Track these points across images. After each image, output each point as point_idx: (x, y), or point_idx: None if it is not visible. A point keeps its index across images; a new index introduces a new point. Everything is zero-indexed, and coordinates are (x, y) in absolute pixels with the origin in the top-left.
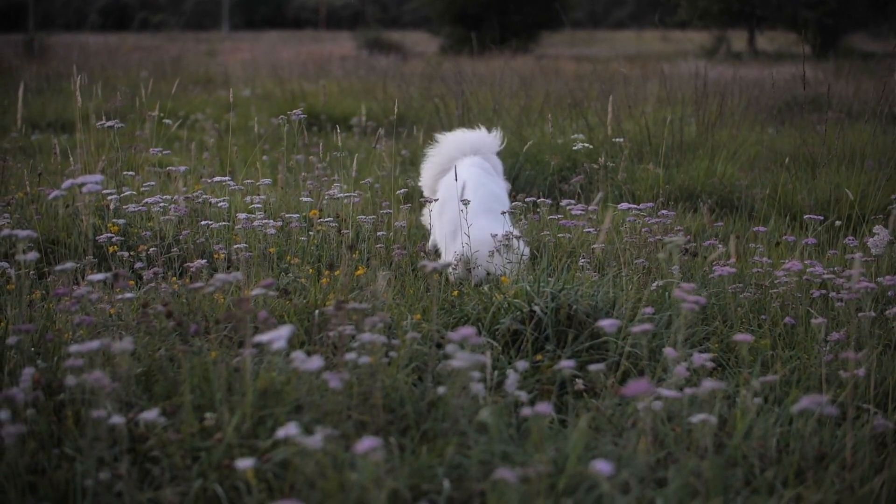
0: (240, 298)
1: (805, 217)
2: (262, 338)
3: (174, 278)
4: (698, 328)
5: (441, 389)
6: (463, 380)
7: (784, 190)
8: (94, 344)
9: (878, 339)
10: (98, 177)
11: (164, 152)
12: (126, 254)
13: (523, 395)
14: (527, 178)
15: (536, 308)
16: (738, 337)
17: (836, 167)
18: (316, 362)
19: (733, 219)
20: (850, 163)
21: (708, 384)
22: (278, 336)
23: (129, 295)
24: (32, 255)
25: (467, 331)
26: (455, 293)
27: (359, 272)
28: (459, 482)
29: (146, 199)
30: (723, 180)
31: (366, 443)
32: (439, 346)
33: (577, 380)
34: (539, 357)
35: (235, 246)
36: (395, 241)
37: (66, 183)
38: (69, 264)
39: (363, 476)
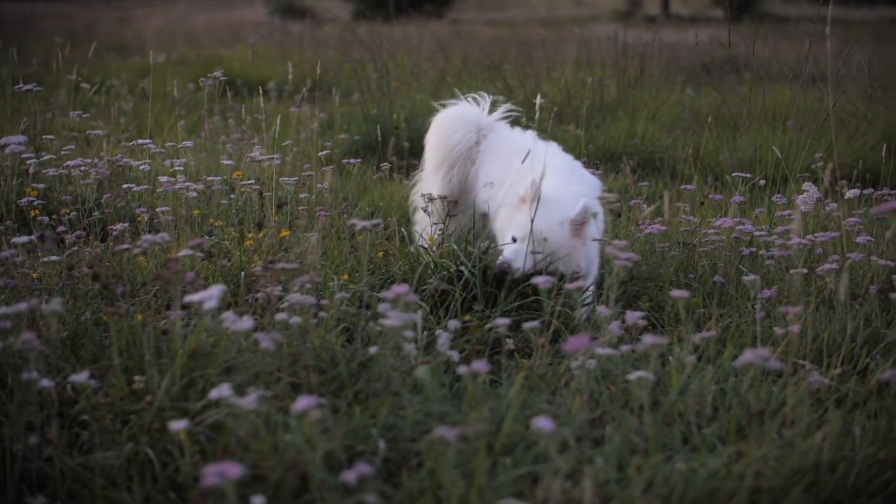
0: (169, 259)
1: (733, 175)
2: (194, 297)
3: (96, 242)
4: (629, 287)
5: (373, 349)
6: (395, 339)
7: (706, 150)
8: (22, 305)
9: (809, 296)
10: (20, 137)
11: (84, 115)
12: (47, 218)
13: (455, 355)
14: None
15: (464, 268)
16: (676, 293)
17: (758, 127)
18: (247, 323)
19: (656, 179)
20: (772, 123)
21: (649, 339)
22: (210, 296)
23: (53, 258)
24: None
25: (402, 288)
26: (380, 254)
27: (284, 234)
28: (394, 443)
29: (67, 163)
30: (644, 141)
31: (303, 401)
32: (367, 306)
33: (507, 339)
34: (467, 317)
35: (159, 209)
36: (319, 203)
37: None
38: None
39: (297, 437)
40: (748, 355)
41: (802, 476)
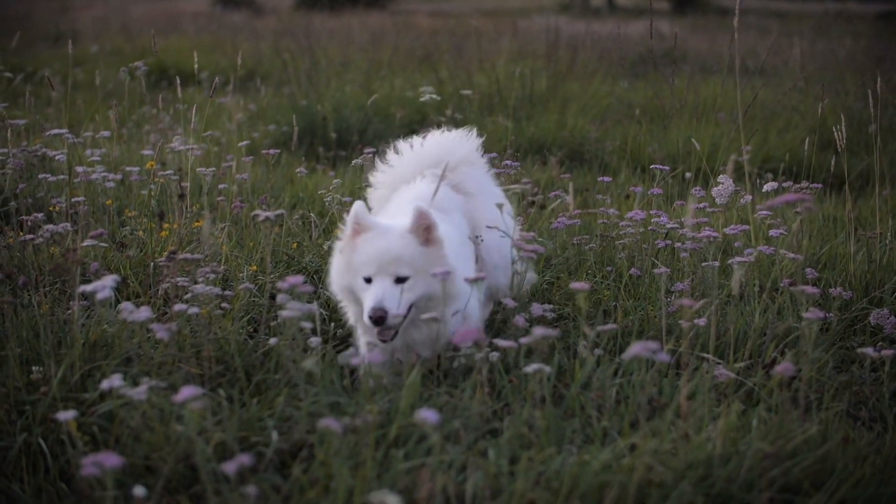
0: (67, 249)
1: (651, 167)
2: (87, 288)
3: (10, 232)
4: (542, 279)
5: (273, 340)
6: (294, 329)
7: (635, 142)
8: None
9: (721, 288)
10: None
11: (2, 105)
12: None
13: (362, 347)
14: (375, 131)
15: None
16: (575, 285)
17: (689, 120)
18: (144, 313)
19: (583, 171)
20: (703, 116)
21: (539, 332)
22: (102, 286)
23: None
24: None
25: (296, 279)
26: (294, 245)
27: (197, 224)
28: (290, 434)
29: None
30: (573, 133)
31: (185, 392)
32: (273, 297)
33: None
34: None
35: (74, 199)
36: (238, 193)
37: None
38: None
39: (189, 428)
40: (636, 348)
41: (694, 470)
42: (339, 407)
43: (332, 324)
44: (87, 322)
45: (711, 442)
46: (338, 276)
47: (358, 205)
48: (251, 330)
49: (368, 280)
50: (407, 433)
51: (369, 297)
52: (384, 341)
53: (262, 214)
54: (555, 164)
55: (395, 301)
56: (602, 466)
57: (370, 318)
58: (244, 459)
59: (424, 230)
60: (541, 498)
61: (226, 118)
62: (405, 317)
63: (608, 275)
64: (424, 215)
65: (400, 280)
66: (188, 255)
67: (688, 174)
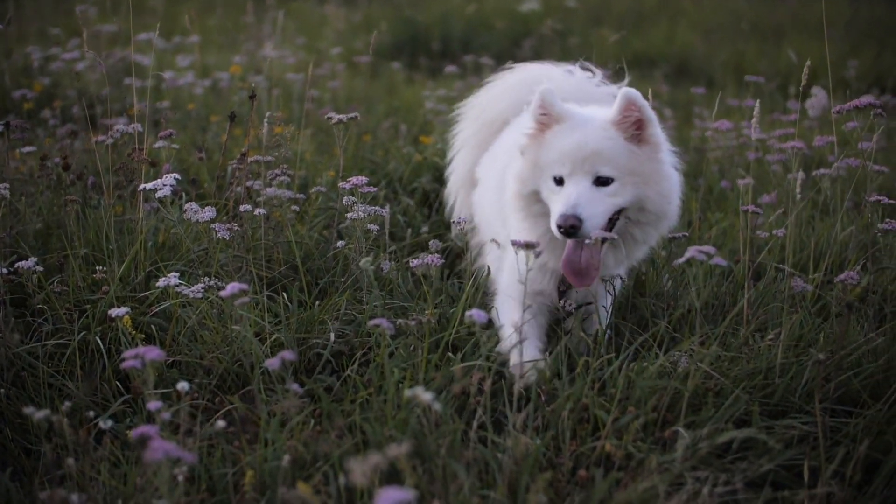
0: (133, 149)
1: (746, 78)
2: (148, 185)
3: (89, 134)
4: None
5: (340, 243)
6: (360, 232)
7: (743, 58)
8: None
9: (808, 201)
10: None
11: (91, 9)
12: (49, 113)
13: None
14: (480, 43)
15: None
16: None
17: (801, 36)
18: (207, 213)
19: (687, 86)
20: (816, 32)
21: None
22: (163, 183)
23: (28, 148)
24: None
25: (359, 179)
26: (381, 153)
27: (278, 130)
28: (351, 336)
29: (64, 55)
30: (682, 48)
31: (231, 287)
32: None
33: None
34: None
35: (159, 105)
36: (331, 101)
37: None
38: None
39: (245, 327)
40: (691, 251)
41: (753, 378)
42: (403, 310)
43: (409, 229)
44: (156, 224)
45: (773, 350)
46: (520, 183)
47: (546, 91)
48: (326, 235)
49: (560, 182)
50: (467, 339)
51: (560, 202)
52: (586, 284)
53: (336, 117)
54: (659, 79)
55: (594, 207)
56: (659, 372)
57: (559, 226)
58: (287, 355)
59: (634, 124)
60: (594, 403)
61: (328, 28)
62: (608, 233)
63: (697, 187)
64: (634, 104)
65: (601, 182)
66: (259, 157)
67: (791, 89)
